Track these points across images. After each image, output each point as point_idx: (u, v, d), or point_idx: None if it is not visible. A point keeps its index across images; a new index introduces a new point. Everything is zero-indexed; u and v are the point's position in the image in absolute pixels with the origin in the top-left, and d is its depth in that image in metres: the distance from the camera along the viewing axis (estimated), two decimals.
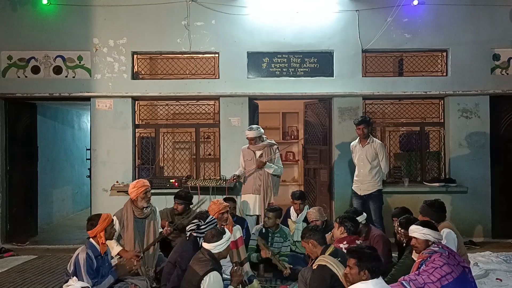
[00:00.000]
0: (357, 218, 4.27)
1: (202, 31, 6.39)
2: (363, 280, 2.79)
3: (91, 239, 3.75)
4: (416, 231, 3.34)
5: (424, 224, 3.36)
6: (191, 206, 5.12)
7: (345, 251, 3.73)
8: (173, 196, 6.12)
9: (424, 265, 3.13)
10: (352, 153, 5.78)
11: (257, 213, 5.51)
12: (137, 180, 4.55)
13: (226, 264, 3.91)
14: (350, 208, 4.89)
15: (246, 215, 5.51)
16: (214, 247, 3.52)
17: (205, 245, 3.56)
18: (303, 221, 5.17)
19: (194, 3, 6.35)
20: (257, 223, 5.49)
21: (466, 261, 3.99)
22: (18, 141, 6.63)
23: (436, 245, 3.21)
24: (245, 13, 6.39)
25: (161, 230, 4.58)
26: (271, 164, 5.51)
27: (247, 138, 5.55)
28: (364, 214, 4.51)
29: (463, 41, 6.44)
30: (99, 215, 3.83)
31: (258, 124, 6.21)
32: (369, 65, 6.63)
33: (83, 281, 3.52)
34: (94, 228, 3.71)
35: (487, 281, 4.55)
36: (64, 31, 6.34)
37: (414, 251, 3.48)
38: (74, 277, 3.49)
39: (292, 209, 5.35)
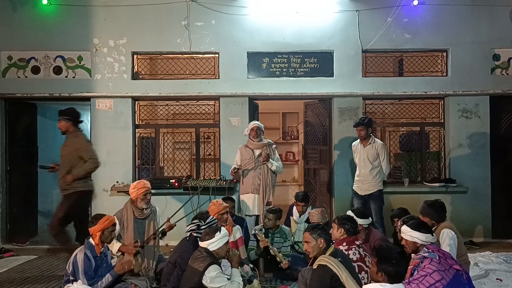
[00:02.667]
0: (361, 220, 4.26)
1: (202, 31, 6.39)
2: (380, 280, 2.80)
3: (90, 239, 3.75)
4: (404, 233, 3.32)
5: (415, 226, 3.30)
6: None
7: (345, 252, 3.74)
8: (173, 196, 6.18)
9: (416, 271, 3.10)
10: (353, 153, 5.78)
11: (256, 213, 5.51)
12: (138, 181, 4.55)
13: (226, 265, 3.91)
14: (358, 208, 4.84)
15: (246, 215, 5.51)
16: (208, 245, 3.55)
17: (201, 244, 3.60)
18: (305, 221, 5.18)
19: (194, 3, 6.35)
20: (256, 223, 5.49)
21: (466, 261, 3.99)
22: (18, 141, 6.62)
23: (426, 249, 3.15)
24: (245, 13, 6.39)
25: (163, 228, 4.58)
26: (273, 161, 5.52)
27: (252, 128, 5.53)
28: (370, 219, 4.49)
29: (463, 41, 6.44)
30: (103, 215, 3.83)
31: None
32: (369, 65, 6.63)
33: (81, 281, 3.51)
34: (94, 226, 3.71)
35: (487, 281, 4.56)
36: (64, 31, 6.34)
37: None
38: (79, 281, 3.48)
39: (295, 208, 5.36)
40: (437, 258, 3.05)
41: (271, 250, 4.54)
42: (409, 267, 3.24)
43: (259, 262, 4.77)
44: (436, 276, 2.94)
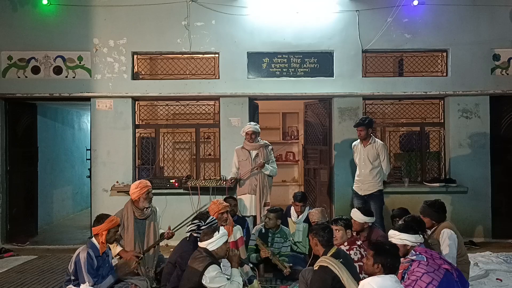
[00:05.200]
0: (367, 218, 4.27)
1: (202, 31, 6.39)
2: (376, 272, 2.83)
3: (92, 239, 3.76)
4: (393, 237, 3.29)
5: (402, 228, 3.30)
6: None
7: (347, 252, 3.74)
8: (173, 196, 6.18)
9: (406, 275, 3.10)
10: (353, 153, 5.78)
11: (253, 214, 5.51)
12: (139, 181, 4.56)
13: (226, 265, 3.90)
14: (363, 206, 4.82)
15: (243, 215, 5.50)
16: (208, 245, 3.55)
17: (201, 244, 3.60)
18: (304, 221, 5.18)
19: (194, 3, 6.35)
20: (254, 223, 5.49)
21: (466, 261, 3.99)
22: (18, 141, 6.62)
23: (414, 252, 3.15)
24: (245, 13, 6.39)
25: (162, 231, 4.58)
26: (267, 165, 5.54)
27: (247, 132, 5.54)
28: (374, 217, 4.49)
29: (463, 41, 6.44)
30: (108, 215, 3.85)
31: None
32: (369, 65, 6.63)
33: (84, 282, 3.52)
34: (100, 225, 3.72)
35: (487, 281, 4.55)
36: (64, 31, 6.34)
37: None
38: (87, 283, 3.49)
39: (292, 209, 5.36)
40: (425, 260, 3.05)
41: (272, 260, 4.55)
42: (399, 271, 3.24)
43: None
44: (426, 278, 2.95)
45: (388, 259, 2.84)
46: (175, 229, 4.61)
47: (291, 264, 4.58)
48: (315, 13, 6.41)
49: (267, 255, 4.57)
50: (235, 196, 5.54)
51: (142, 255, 4.29)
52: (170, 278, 3.87)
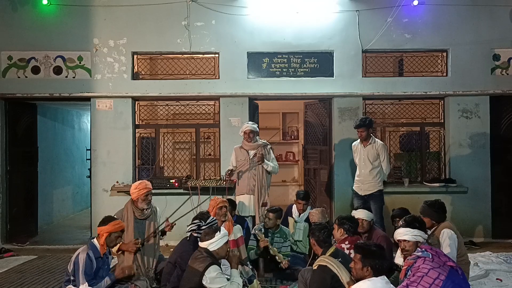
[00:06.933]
0: (372, 215, 4.28)
1: (202, 31, 6.39)
2: (366, 275, 2.81)
3: (93, 240, 3.76)
4: (408, 234, 3.28)
5: (413, 225, 3.30)
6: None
7: (347, 251, 3.75)
8: (173, 195, 6.19)
9: (410, 271, 3.10)
10: (353, 153, 5.77)
11: (252, 214, 5.51)
12: (140, 181, 4.56)
13: (226, 265, 3.91)
14: (360, 205, 4.84)
15: (241, 216, 5.50)
16: (208, 245, 3.55)
17: (201, 244, 3.60)
18: (305, 220, 5.18)
19: (194, 3, 6.35)
20: (253, 223, 5.49)
21: (466, 261, 3.99)
22: (18, 141, 6.62)
23: (420, 249, 3.15)
24: (245, 13, 6.39)
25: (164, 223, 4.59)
26: (268, 161, 5.52)
27: (244, 132, 5.53)
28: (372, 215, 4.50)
29: (463, 41, 6.44)
30: (115, 218, 3.87)
31: (258, 124, 6.20)
32: (369, 65, 6.63)
33: (79, 282, 3.51)
34: (104, 226, 3.71)
35: (487, 281, 4.55)
36: (64, 31, 6.35)
37: (403, 255, 3.36)
38: (86, 283, 3.49)
39: (294, 207, 5.36)
40: (430, 257, 3.06)
41: (270, 250, 4.55)
42: (403, 267, 3.24)
43: (259, 262, 4.77)
44: (433, 274, 2.94)
45: (377, 261, 2.83)
46: (174, 220, 4.61)
47: (289, 258, 4.58)
48: (315, 13, 6.41)
49: (266, 244, 4.57)
50: (233, 198, 5.53)
51: (141, 241, 4.30)
52: (170, 278, 3.88)
